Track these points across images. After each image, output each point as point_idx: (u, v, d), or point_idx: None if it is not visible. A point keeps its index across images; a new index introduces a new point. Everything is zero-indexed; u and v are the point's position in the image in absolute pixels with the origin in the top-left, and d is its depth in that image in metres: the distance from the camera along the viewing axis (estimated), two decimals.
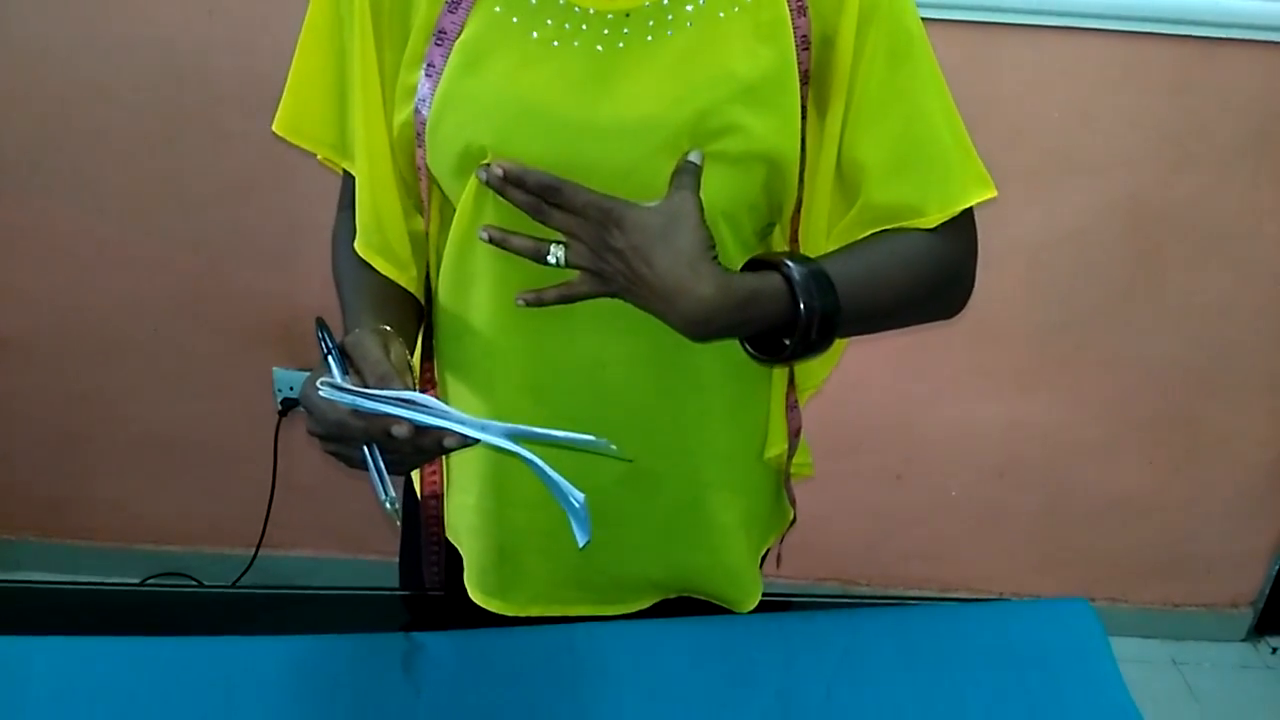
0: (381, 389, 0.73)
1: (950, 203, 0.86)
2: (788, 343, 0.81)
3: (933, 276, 0.89)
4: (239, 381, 1.92)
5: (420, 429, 0.72)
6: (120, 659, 0.87)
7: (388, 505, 0.74)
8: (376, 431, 0.73)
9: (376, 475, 0.74)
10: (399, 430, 0.72)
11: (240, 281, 1.85)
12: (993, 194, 0.88)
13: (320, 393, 0.73)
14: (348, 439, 0.74)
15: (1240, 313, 1.87)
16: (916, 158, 0.86)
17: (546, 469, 0.76)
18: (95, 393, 1.96)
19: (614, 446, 0.76)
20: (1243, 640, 2.20)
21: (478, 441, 0.74)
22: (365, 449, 0.75)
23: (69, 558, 2.10)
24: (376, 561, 2.05)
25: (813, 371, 1.01)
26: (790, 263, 0.80)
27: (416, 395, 0.72)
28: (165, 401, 1.96)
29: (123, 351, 1.91)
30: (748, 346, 0.85)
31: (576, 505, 0.77)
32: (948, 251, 0.89)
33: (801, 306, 0.78)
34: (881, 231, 0.87)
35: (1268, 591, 2.15)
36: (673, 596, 1.02)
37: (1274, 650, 2.18)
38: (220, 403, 1.96)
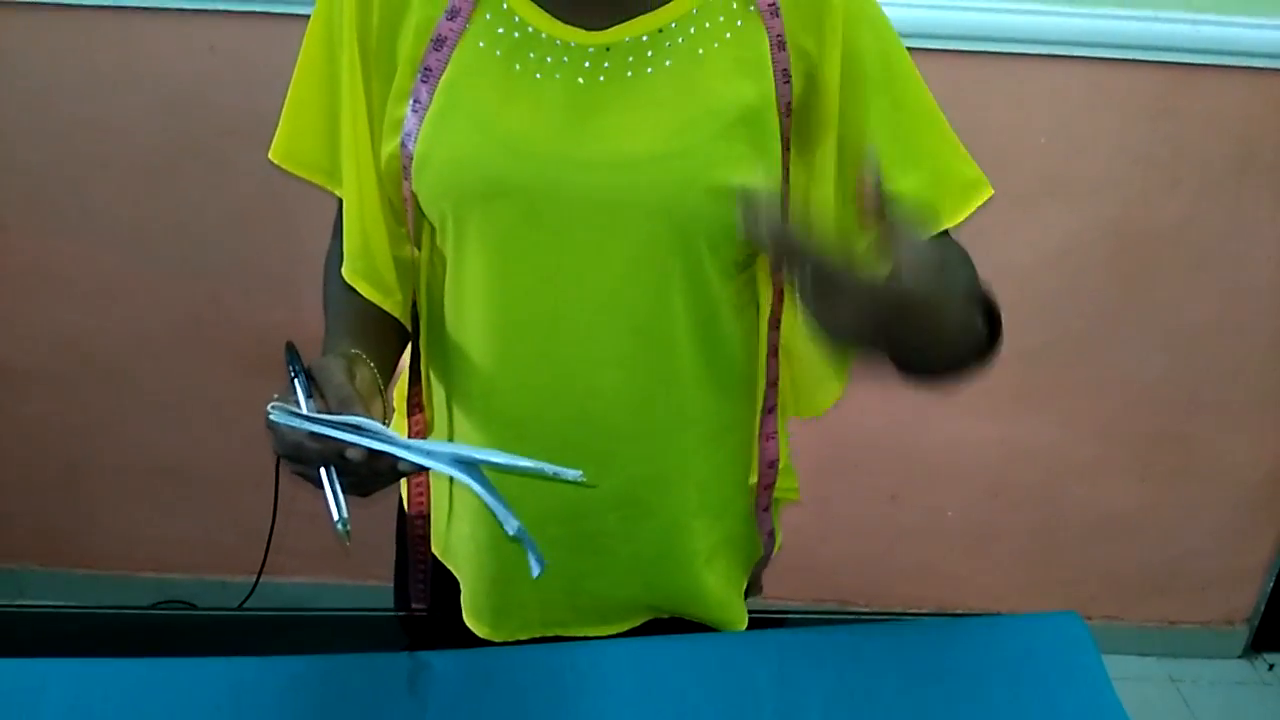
0: (340, 413, 0.74)
1: (956, 211, 0.90)
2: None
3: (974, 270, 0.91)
4: (240, 410, 1.93)
5: (374, 453, 0.73)
6: (130, 681, 0.88)
7: (339, 526, 0.75)
8: (331, 454, 0.74)
9: (331, 495, 0.76)
10: (353, 454, 0.73)
11: (241, 312, 1.86)
12: (990, 192, 0.91)
13: (271, 415, 0.74)
14: (305, 460, 0.75)
15: (1228, 331, 1.89)
16: (923, 163, 0.88)
17: (487, 495, 0.76)
18: (97, 422, 1.97)
19: (569, 472, 0.75)
20: (1239, 657, 2.21)
21: (425, 468, 0.75)
22: (322, 470, 0.76)
23: (71, 586, 2.11)
24: (378, 587, 2.05)
25: (814, 395, 1.02)
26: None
27: (363, 420, 0.73)
28: (167, 431, 1.98)
29: (125, 381, 1.93)
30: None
31: (511, 532, 0.78)
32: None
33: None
34: None
35: (1263, 608, 2.16)
36: (664, 617, 1.03)
37: (1270, 667, 2.19)
38: (222, 431, 1.97)
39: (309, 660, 0.91)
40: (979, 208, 0.92)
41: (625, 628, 1.01)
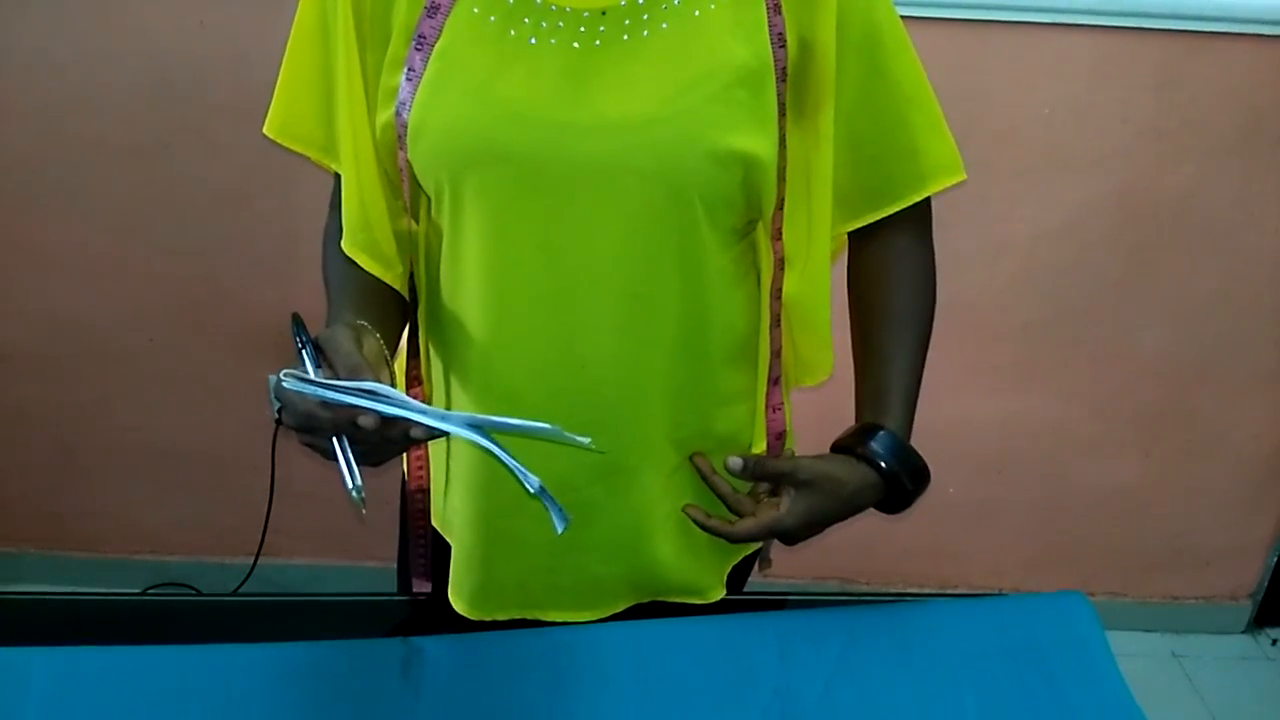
0: (355, 380, 0.74)
1: (918, 189, 0.92)
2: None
3: (931, 300, 0.98)
4: (236, 390, 1.92)
5: (387, 420, 0.73)
6: (120, 668, 0.87)
7: (354, 494, 0.75)
8: (344, 422, 0.74)
9: (344, 464, 0.76)
10: (365, 421, 0.73)
11: (236, 290, 1.85)
12: (962, 176, 0.93)
13: (284, 384, 0.74)
14: (317, 429, 0.76)
15: (1234, 305, 1.87)
16: (889, 148, 0.91)
17: (504, 455, 0.77)
18: (93, 403, 1.96)
19: (580, 438, 0.77)
20: (1243, 632, 2.21)
21: (445, 433, 0.75)
22: (334, 439, 0.76)
23: (69, 569, 2.10)
24: (376, 568, 2.05)
25: (816, 362, 1.01)
26: (880, 461, 0.92)
27: (378, 386, 0.73)
28: (163, 411, 1.97)
29: (120, 362, 1.92)
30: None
31: (532, 490, 0.78)
32: (928, 255, 0.98)
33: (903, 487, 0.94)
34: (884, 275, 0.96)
35: (1266, 583, 2.16)
36: (644, 602, 1.01)
37: (1274, 642, 2.19)
38: (218, 411, 1.96)
39: (299, 647, 0.90)
40: (950, 189, 0.94)
41: (603, 614, 1.00)
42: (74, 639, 0.90)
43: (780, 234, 0.91)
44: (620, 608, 1.00)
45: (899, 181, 0.92)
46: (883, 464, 0.92)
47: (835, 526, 0.94)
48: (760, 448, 1.00)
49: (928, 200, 0.95)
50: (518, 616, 0.99)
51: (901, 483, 0.93)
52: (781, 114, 0.85)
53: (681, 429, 0.94)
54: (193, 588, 2.09)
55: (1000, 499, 2.06)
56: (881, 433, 0.93)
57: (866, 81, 0.87)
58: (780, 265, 0.93)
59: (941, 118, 0.92)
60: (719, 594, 1.02)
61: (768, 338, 0.96)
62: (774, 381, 0.98)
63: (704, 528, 0.93)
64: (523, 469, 0.77)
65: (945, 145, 0.92)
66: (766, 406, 0.99)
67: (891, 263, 0.96)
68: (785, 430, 1.00)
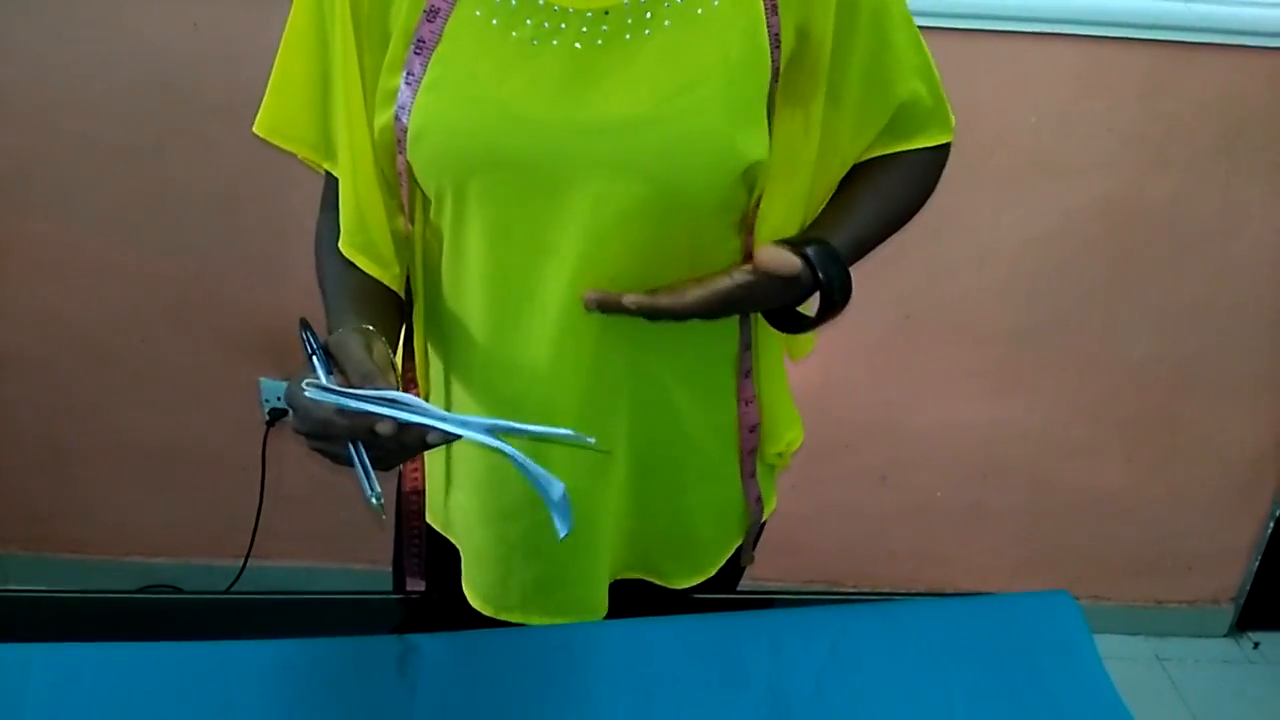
0: (365, 388, 0.74)
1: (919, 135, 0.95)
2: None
3: (917, 195, 0.98)
4: (226, 392, 1.92)
5: (403, 426, 0.73)
6: (117, 664, 0.87)
7: (373, 501, 0.75)
8: (361, 429, 0.74)
9: (362, 472, 0.76)
10: (383, 428, 0.73)
11: (227, 292, 1.85)
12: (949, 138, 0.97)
13: (306, 393, 0.74)
14: (333, 437, 0.75)
15: (1217, 312, 1.89)
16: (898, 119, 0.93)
17: (526, 462, 0.77)
18: (83, 404, 1.96)
19: (592, 440, 0.77)
20: (1225, 636, 2.22)
21: (459, 437, 0.75)
22: (350, 446, 0.76)
23: (58, 571, 2.09)
24: (366, 570, 2.05)
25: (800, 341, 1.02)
26: (809, 251, 0.85)
27: (399, 394, 0.73)
28: (153, 412, 1.96)
29: (110, 363, 1.91)
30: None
31: (555, 498, 0.79)
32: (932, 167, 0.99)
33: (822, 288, 0.86)
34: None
35: (1248, 587, 2.18)
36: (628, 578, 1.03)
37: (1256, 645, 2.21)
38: (208, 413, 1.96)
39: (296, 644, 0.91)
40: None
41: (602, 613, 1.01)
42: (71, 636, 0.90)
43: (752, 229, 0.91)
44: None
45: (899, 132, 0.94)
46: (819, 273, 0.85)
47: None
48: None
49: (939, 152, 0.97)
50: (527, 621, 0.99)
51: (829, 291, 0.87)
52: (770, 113, 0.85)
53: (686, 424, 0.95)
54: (181, 590, 2.09)
55: (986, 503, 2.08)
56: (821, 244, 0.87)
57: (876, 54, 0.89)
58: (747, 259, 0.92)
59: (939, 82, 0.95)
60: (700, 578, 1.04)
61: (737, 332, 0.97)
62: (745, 374, 0.98)
63: (646, 310, 0.84)
64: (547, 476, 0.78)
65: (942, 107, 0.95)
66: (739, 399, 0.99)
67: (888, 162, 0.96)
68: (758, 422, 1.00)
